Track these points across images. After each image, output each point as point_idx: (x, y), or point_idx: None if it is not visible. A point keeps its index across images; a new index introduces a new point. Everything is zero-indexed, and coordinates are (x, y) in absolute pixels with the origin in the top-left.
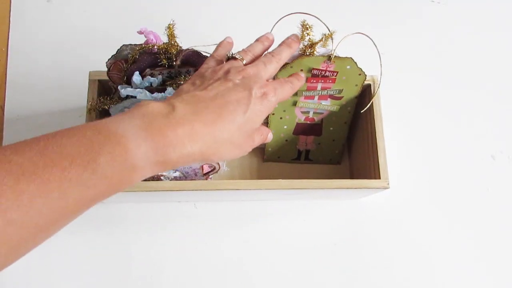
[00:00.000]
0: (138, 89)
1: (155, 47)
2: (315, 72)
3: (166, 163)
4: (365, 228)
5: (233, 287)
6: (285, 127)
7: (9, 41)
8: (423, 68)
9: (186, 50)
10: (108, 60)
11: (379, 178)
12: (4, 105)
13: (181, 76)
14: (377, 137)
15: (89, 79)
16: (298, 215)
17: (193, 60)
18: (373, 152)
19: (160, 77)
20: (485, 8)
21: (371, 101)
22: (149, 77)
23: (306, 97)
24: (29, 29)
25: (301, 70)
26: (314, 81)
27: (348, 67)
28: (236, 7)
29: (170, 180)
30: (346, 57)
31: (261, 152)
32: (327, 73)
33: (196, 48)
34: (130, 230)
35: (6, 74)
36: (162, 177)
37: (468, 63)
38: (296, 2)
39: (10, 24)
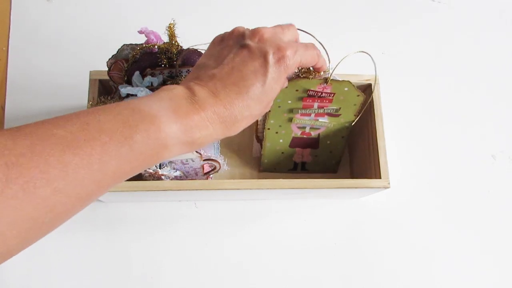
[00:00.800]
0: (138, 88)
1: (156, 46)
2: (311, 93)
3: (192, 143)
4: (366, 228)
5: (234, 286)
6: (281, 141)
7: (10, 40)
8: (424, 67)
9: (186, 49)
10: (109, 59)
11: (380, 177)
12: (4, 105)
13: (182, 76)
14: (377, 137)
15: (89, 79)
16: (299, 214)
17: (194, 59)
18: (373, 151)
19: (160, 76)
20: (486, 8)
21: (368, 101)
22: (150, 76)
23: (302, 114)
24: (30, 29)
25: (296, 90)
26: (310, 100)
27: (345, 89)
28: (236, 6)
29: (171, 179)
30: (343, 80)
31: (258, 161)
32: (323, 94)
33: (196, 48)
34: (130, 230)
35: (6, 74)
36: (162, 177)
37: (469, 63)
38: (298, 2)
39: (11, 24)
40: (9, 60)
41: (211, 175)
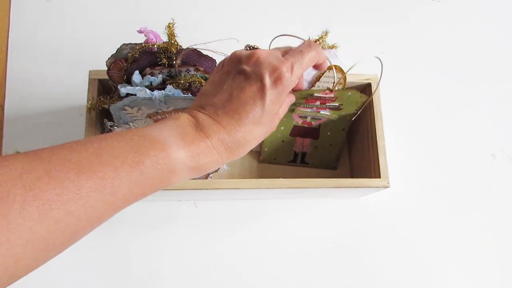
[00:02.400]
0: (138, 87)
1: (155, 46)
2: (314, 96)
3: (198, 169)
4: (365, 227)
5: (233, 285)
6: (282, 128)
7: (9, 40)
8: (423, 67)
9: (186, 49)
10: (108, 59)
11: (379, 177)
12: (4, 105)
13: (181, 75)
14: (377, 136)
15: (89, 78)
16: (298, 214)
17: (193, 59)
18: (373, 151)
19: (160, 76)
20: (486, 6)
21: (368, 100)
22: (149, 76)
23: (304, 107)
24: (29, 29)
25: (300, 93)
26: (313, 100)
27: (349, 93)
28: (236, 6)
29: None
30: (348, 89)
31: (259, 153)
32: (327, 98)
33: (196, 47)
34: (130, 229)
35: (6, 74)
36: None
37: (469, 62)
38: (296, 2)
39: (10, 24)
40: (8, 60)
41: (211, 175)
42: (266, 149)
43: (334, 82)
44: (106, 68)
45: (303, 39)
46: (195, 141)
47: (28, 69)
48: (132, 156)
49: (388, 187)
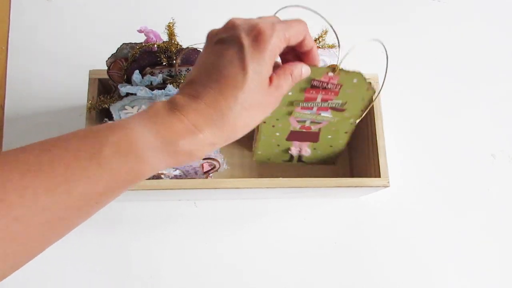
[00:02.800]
0: (138, 86)
1: (155, 45)
2: (315, 83)
3: (178, 154)
4: (365, 227)
5: (233, 285)
6: (278, 134)
7: (9, 40)
8: (424, 67)
9: (186, 48)
10: (108, 58)
11: (379, 176)
12: (4, 105)
13: (181, 74)
14: (377, 136)
15: (89, 78)
16: (299, 213)
17: (193, 58)
18: (373, 150)
19: (160, 75)
20: (486, 6)
21: (371, 104)
22: (149, 75)
23: (304, 108)
24: (29, 28)
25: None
26: (314, 92)
27: (354, 80)
28: (236, 5)
29: (171, 178)
30: (353, 71)
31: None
32: (329, 85)
33: (196, 47)
34: (130, 229)
35: (6, 73)
36: (162, 176)
37: (469, 62)
38: (296, 2)
39: (10, 23)
40: (8, 60)
41: (211, 174)
42: (259, 152)
43: (338, 59)
44: (106, 68)
45: (314, 11)
46: (167, 122)
47: (28, 69)
48: (88, 147)
49: (388, 186)
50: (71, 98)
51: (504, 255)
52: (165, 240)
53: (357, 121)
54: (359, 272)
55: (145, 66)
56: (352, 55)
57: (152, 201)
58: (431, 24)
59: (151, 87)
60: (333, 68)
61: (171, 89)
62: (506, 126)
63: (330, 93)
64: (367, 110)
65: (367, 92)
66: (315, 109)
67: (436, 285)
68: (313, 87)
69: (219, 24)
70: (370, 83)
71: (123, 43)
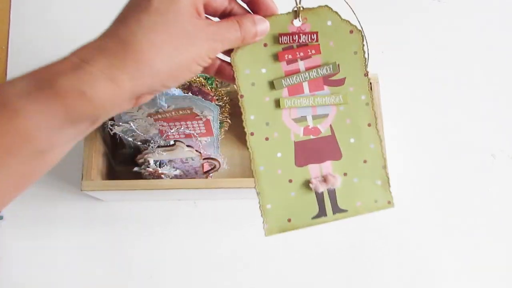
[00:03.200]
0: None
1: None
2: (284, 39)
3: (66, 96)
4: (365, 227)
5: (233, 285)
6: (279, 155)
7: (9, 39)
8: (423, 67)
9: None
10: None
11: None
12: None
13: None
14: None
15: None
16: None
17: None
18: None
19: None
20: (486, 6)
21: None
22: None
23: (291, 90)
24: (29, 28)
25: (265, 44)
26: (290, 56)
27: (328, 22)
28: None
29: (171, 178)
30: (319, 6)
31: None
32: (302, 38)
33: None
34: (130, 229)
35: (6, 73)
36: (162, 175)
37: (469, 61)
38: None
39: (10, 22)
40: (9, 59)
41: (211, 174)
42: (269, 206)
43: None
44: None
45: None
46: (46, 65)
47: (28, 68)
48: None
49: None
50: None
51: (504, 255)
52: (165, 240)
53: (371, 98)
54: (359, 272)
55: None
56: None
57: (152, 201)
58: (431, 24)
59: None
60: (294, 12)
61: (171, 89)
62: (506, 126)
63: (309, 51)
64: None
65: (353, 36)
66: (306, 88)
67: (436, 285)
68: (285, 49)
69: None
70: (348, 21)
71: None
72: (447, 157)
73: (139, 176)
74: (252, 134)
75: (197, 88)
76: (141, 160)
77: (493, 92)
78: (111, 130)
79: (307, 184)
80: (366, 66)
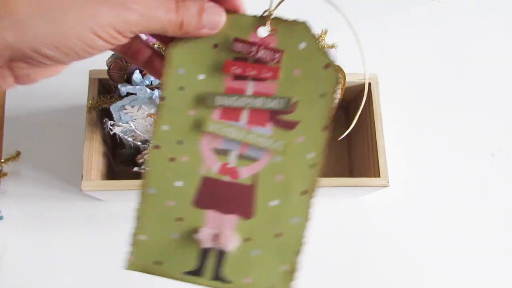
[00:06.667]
0: (138, 86)
1: (156, 45)
2: (238, 47)
3: None
4: (365, 226)
5: None
6: (179, 184)
7: None
8: (423, 66)
9: None
10: (108, 58)
11: (379, 176)
12: (4, 104)
13: None
14: (376, 136)
15: (89, 78)
16: None
17: None
18: (372, 150)
19: None
20: (485, 6)
21: (360, 107)
22: (149, 75)
23: (225, 113)
24: None
25: (215, 45)
26: (240, 70)
27: (302, 45)
28: None
29: None
30: (296, 21)
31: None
32: (261, 53)
33: None
34: (129, 229)
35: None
36: None
37: (468, 61)
38: (296, 2)
39: None
40: None
41: None
42: (143, 237)
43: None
44: (106, 68)
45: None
46: None
47: None
48: None
49: (387, 186)
50: (71, 98)
51: (503, 255)
52: None
53: (320, 162)
54: (358, 272)
55: None
56: (350, 54)
57: None
58: (430, 24)
59: (151, 87)
60: (263, 18)
61: None
62: (505, 125)
63: (266, 72)
64: (346, 133)
65: (326, 73)
66: (244, 117)
67: (435, 285)
68: (237, 60)
69: None
70: (327, 52)
71: None
72: (446, 157)
73: (139, 176)
74: (157, 147)
75: None
76: (141, 160)
77: (493, 91)
78: (111, 130)
79: (195, 231)
80: (329, 118)
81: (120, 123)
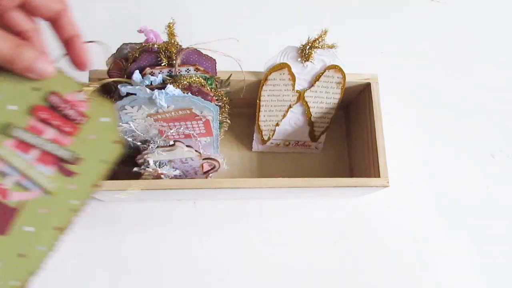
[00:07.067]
0: (138, 86)
1: (155, 46)
2: (53, 99)
3: None
4: (365, 227)
5: (233, 285)
6: None
7: None
8: (423, 67)
9: (186, 48)
10: (108, 58)
11: (379, 176)
12: None
13: (181, 75)
14: (376, 136)
15: (89, 78)
16: (298, 213)
17: (193, 59)
18: (372, 151)
19: (160, 76)
20: (485, 6)
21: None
22: (149, 75)
23: (18, 144)
24: None
25: (36, 89)
26: (46, 116)
27: (104, 119)
28: (236, 5)
29: (170, 178)
30: (107, 100)
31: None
32: (70, 111)
33: (196, 47)
34: (129, 229)
35: None
36: (162, 176)
37: (468, 62)
38: (296, 2)
39: None
40: None
41: (211, 174)
42: None
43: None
44: (106, 68)
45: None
46: None
47: None
48: None
49: (387, 186)
50: None
51: (503, 255)
52: (164, 240)
53: (82, 209)
54: (358, 272)
55: (145, 66)
56: (350, 54)
57: (152, 201)
58: (430, 24)
59: (151, 87)
60: (84, 85)
61: (171, 89)
62: (505, 126)
63: (67, 126)
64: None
65: (113, 147)
66: (34, 154)
67: (435, 285)
68: (48, 108)
69: (219, 24)
70: (119, 132)
71: (123, 43)
72: (446, 157)
73: (139, 176)
74: None
75: (197, 88)
76: (141, 161)
77: (493, 92)
78: None
79: None
80: (101, 179)
81: (120, 123)
